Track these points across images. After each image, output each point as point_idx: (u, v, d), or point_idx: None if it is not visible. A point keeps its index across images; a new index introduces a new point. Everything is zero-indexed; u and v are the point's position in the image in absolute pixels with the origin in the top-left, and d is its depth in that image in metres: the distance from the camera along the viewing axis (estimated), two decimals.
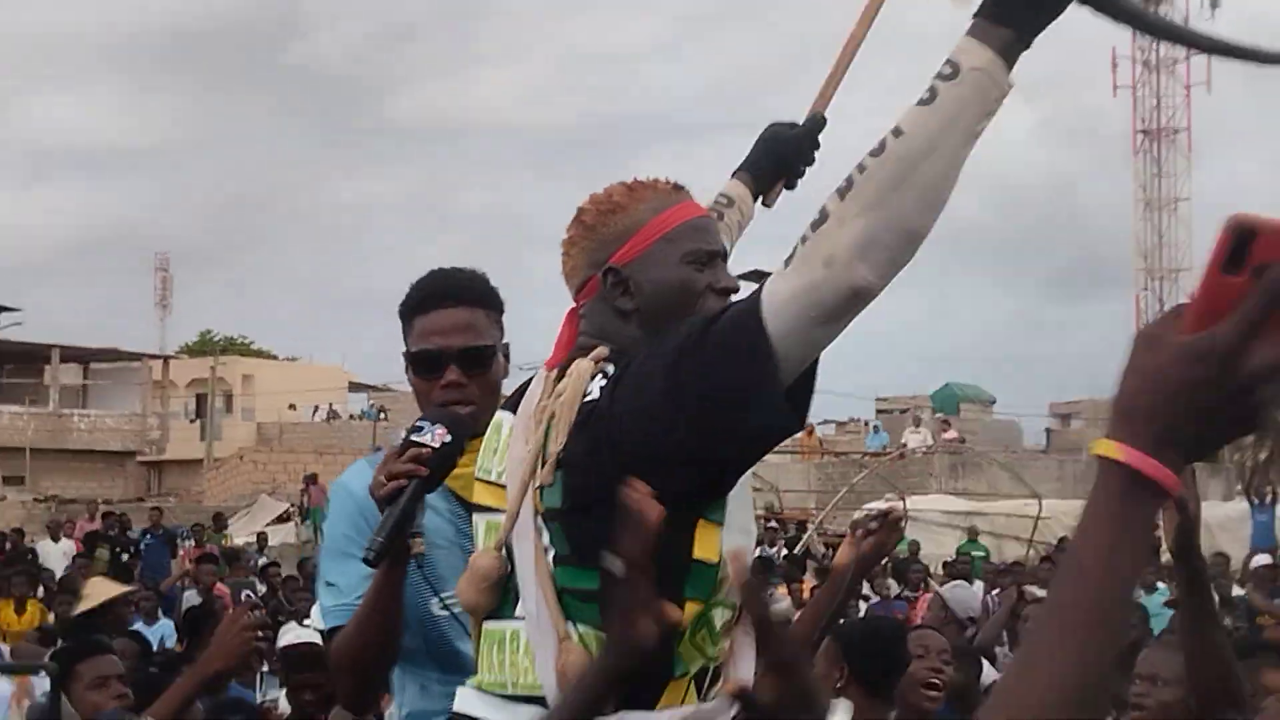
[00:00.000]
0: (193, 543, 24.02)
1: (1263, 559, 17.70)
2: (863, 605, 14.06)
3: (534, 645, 2.40)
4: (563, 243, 2.60)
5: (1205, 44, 2.18)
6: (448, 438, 2.82)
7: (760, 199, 3.45)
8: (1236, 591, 15.60)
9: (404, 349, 3.20)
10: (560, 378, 2.49)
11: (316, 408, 48.55)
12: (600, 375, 2.40)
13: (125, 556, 21.86)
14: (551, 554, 2.40)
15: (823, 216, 2.17)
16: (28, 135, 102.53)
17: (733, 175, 3.42)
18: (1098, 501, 1.36)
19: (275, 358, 60.19)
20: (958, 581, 12.24)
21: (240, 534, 27.28)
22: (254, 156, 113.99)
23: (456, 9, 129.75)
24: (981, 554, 21.06)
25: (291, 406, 48.92)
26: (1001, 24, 2.08)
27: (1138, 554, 1.35)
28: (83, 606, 10.64)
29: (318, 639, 9.29)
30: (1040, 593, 14.23)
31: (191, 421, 48.79)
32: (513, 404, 2.63)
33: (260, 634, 4.32)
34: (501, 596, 2.49)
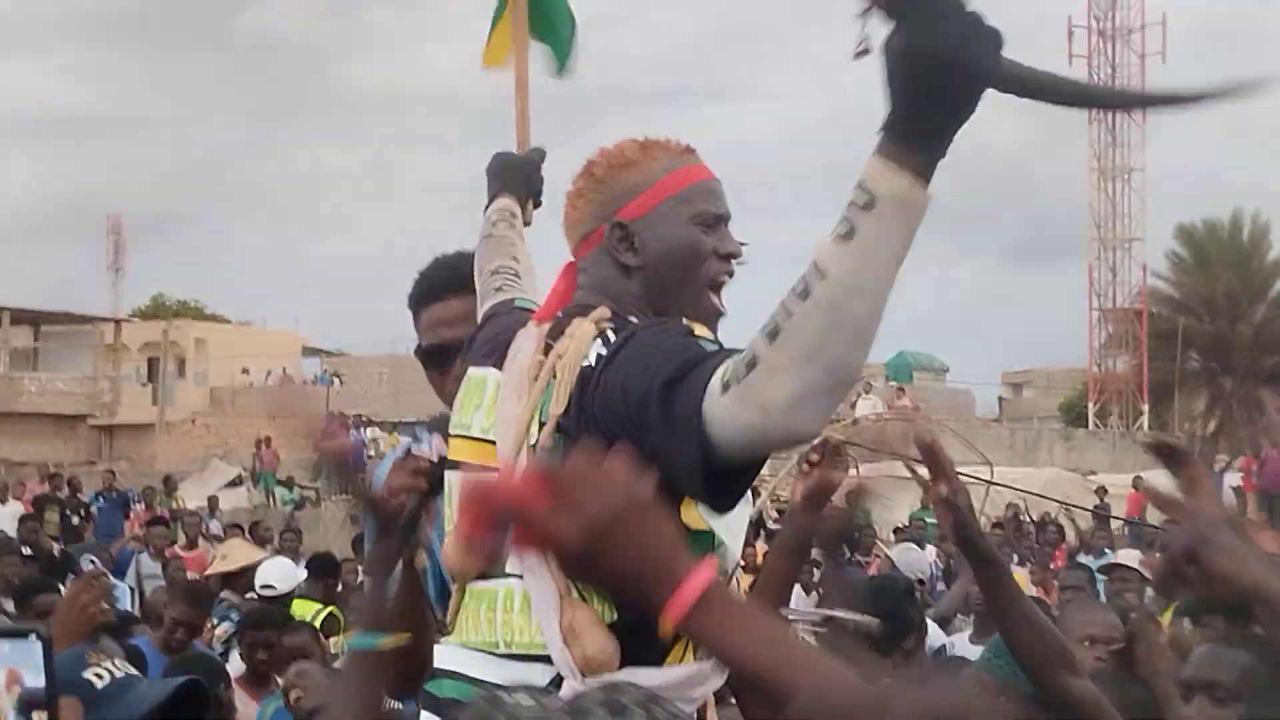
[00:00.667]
0: (143, 505, 23.93)
1: None
2: (815, 572, 14.10)
3: (534, 603, 2.37)
4: (568, 193, 2.61)
5: (1124, 100, 2.16)
6: (437, 454, 2.81)
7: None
8: None
9: (415, 342, 3.30)
10: (555, 333, 2.46)
11: (269, 372, 48.35)
12: (600, 338, 2.38)
13: (76, 519, 21.78)
14: None
15: (751, 360, 2.02)
16: None
17: (496, 198, 3.26)
18: (736, 624, 1.63)
19: (229, 321, 59.88)
20: (906, 544, 12.31)
21: (191, 498, 27.17)
22: (209, 122, 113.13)
23: None
24: (934, 520, 21.16)
25: (244, 370, 48.73)
26: (913, 145, 1.87)
27: None
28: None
29: (279, 587, 9.34)
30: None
31: (143, 385, 48.53)
32: (486, 354, 2.60)
33: (105, 606, 4.16)
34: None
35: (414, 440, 2.89)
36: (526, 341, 2.52)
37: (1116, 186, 50.28)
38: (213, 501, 25.51)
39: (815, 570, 14.14)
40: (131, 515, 22.95)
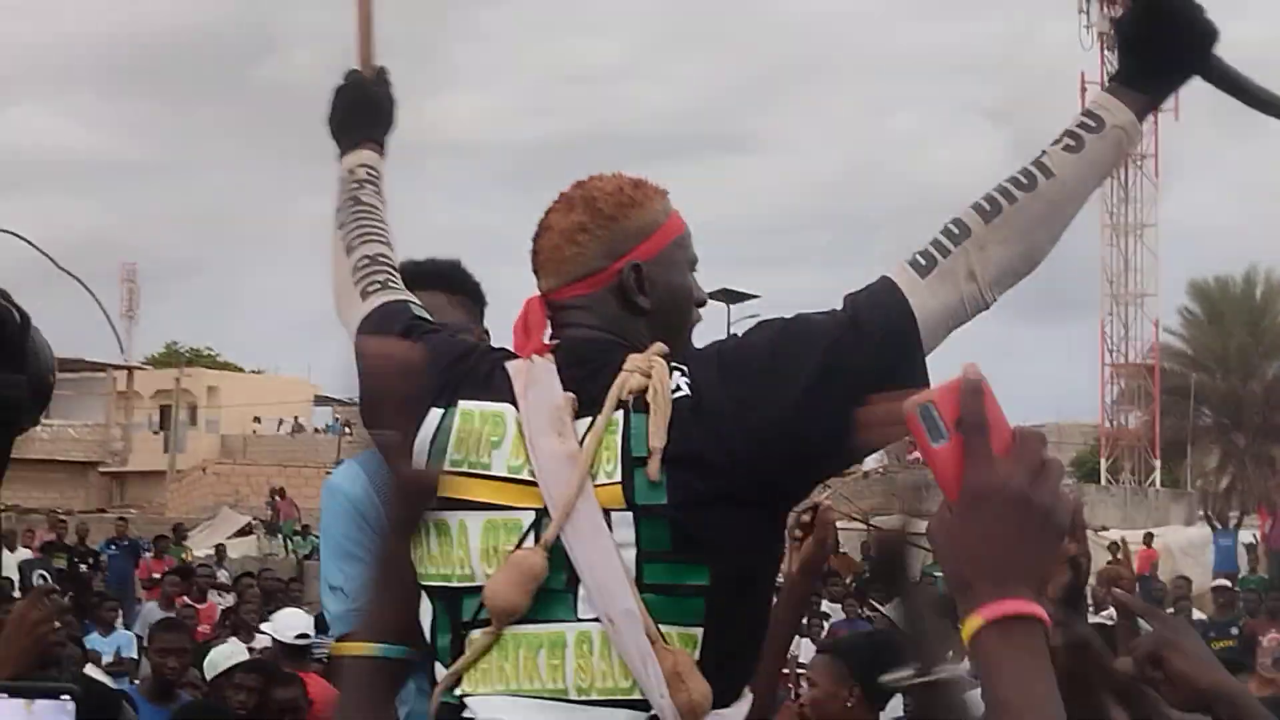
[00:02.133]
0: (153, 554, 23.93)
1: (1221, 582, 17.80)
2: (825, 625, 14.07)
3: (624, 648, 2.27)
4: (567, 228, 2.51)
5: None
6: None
7: None
8: (1197, 615, 15.68)
9: None
10: (581, 369, 2.42)
11: (281, 421, 48.40)
12: (676, 372, 2.38)
13: (84, 567, 21.76)
14: (633, 551, 2.30)
15: (962, 231, 2.37)
16: (4, 146, 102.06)
17: (360, 147, 3.04)
18: (1020, 659, 1.48)
19: (241, 370, 60.00)
20: None
21: (200, 546, 27.14)
22: (224, 170, 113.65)
23: (429, 29, 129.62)
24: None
25: (256, 419, 48.77)
26: (1141, 90, 2.43)
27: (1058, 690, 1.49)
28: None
29: (244, 655, 9.08)
30: None
31: (155, 433, 48.61)
32: (479, 388, 2.45)
33: (56, 625, 3.54)
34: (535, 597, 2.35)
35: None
36: (541, 376, 2.43)
37: (1129, 242, 50.33)
38: (220, 550, 25.47)
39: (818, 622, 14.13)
40: (142, 563, 22.90)
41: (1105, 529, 30.76)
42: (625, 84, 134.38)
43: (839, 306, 2.42)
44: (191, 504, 39.78)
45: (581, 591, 2.31)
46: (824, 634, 12.79)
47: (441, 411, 2.43)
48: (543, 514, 2.33)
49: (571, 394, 2.38)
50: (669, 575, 2.31)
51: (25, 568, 19.96)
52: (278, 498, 32.67)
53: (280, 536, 32.14)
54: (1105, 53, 51.56)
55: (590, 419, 2.36)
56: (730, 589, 2.35)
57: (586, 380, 2.40)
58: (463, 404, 2.43)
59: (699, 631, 2.32)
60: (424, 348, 2.52)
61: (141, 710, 6.25)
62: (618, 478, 2.33)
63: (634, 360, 2.40)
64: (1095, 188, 2.45)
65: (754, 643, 2.46)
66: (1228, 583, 17.89)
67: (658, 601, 2.30)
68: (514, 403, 2.40)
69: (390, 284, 2.73)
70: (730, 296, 39.42)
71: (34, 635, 3.42)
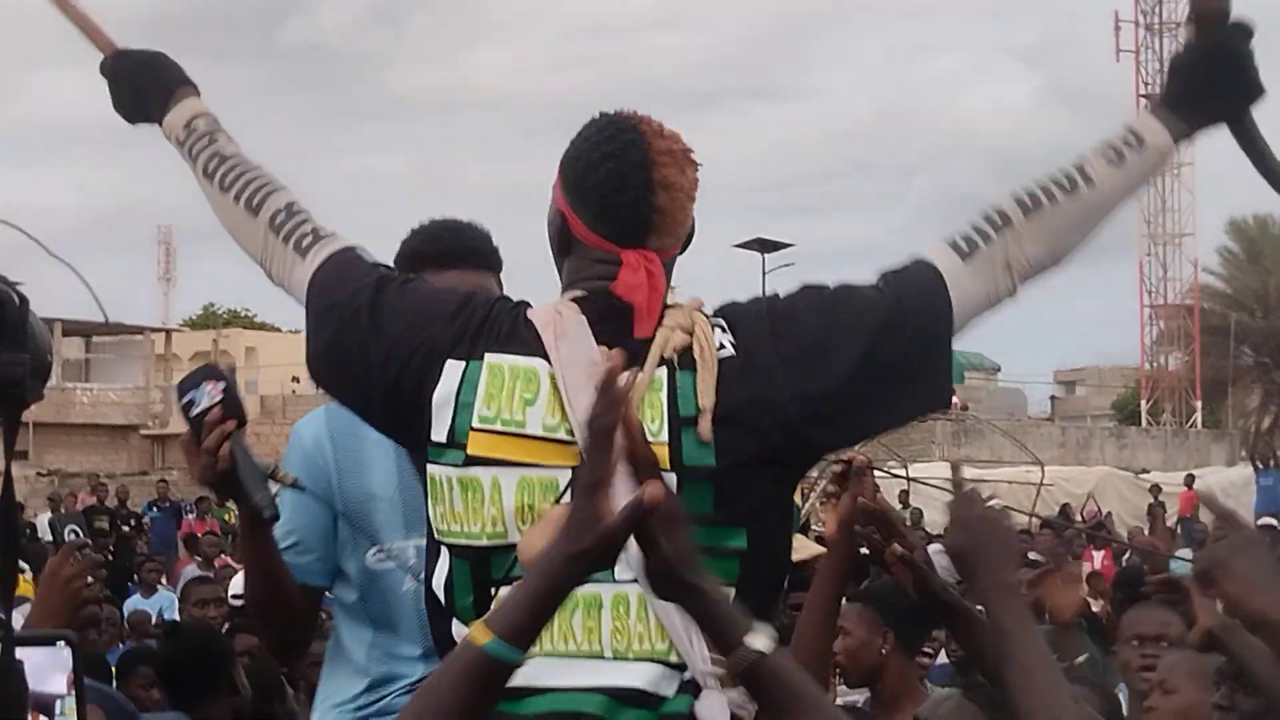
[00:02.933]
0: (194, 515, 24.07)
1: (1266, 521, 17.70)
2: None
3: (666, 611, 2.25)
4: (687, 187, 2.42)
5: None
6: (221, 388, 2.79)
7: None
8: None
9: None
10: (611, 322, 2.35)
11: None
12: (716, 329, 2.36)
13: (126, 529, 21.92)
14: None
15: (1004, 221, 2.45)
16: (36, 112, 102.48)
17: (175, 100, 2.81)
18: None
19: (279, 330, 60.17)
20: (935, 546, 12.21)
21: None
22: (256, 130, 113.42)
23: None
24: None
25: (295, 379, 48.90)
26: (1182, 118, 2.54)
27: None
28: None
29: None
30: (1038, 558, 14.28)
31: None
32: (503, 340, 2.38)
33: (90, 581, 3.43)
34: None
35: (190, 403, 2.77)
36: (572, 328, 2.36)
37: (1166, 181, 49.90)
38: None
39: None
40: (184, 524, 23.06)
41: (1146, 471, 30.67)
42: (655, 34, 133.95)
43: (876, 282, 2.44)
44: None
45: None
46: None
47: (463, 364, 2.36)
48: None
49: (605, 347, 2.32)
50: (708, 538, 2.25)
51: (56, 524, 20.08)
52: None
53: None
54: None
55: (627, 374, 2.32)
56: (762, 551, 2.35)
57: (619, 335, 2.33)
58: (489, 357, 2.36)
59: (730, 592, 2.28)
60: (420, 297, 2.47)
61: None
62: (664, 438, 2.30)
63: (674, 316, 2.37)
64: (1126, 201, 2.57)
65: (775, 602, 2.46)
66: (1273, 521, 17.77)
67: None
68: (544, 356, 2.35)
69: (321, 232, 2.59)
70: (764, 246, 39.28)
71: (68, 591, 3.34)
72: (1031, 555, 13.88)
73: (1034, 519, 22.04)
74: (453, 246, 3.12)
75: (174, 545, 21.12)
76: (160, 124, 2.79)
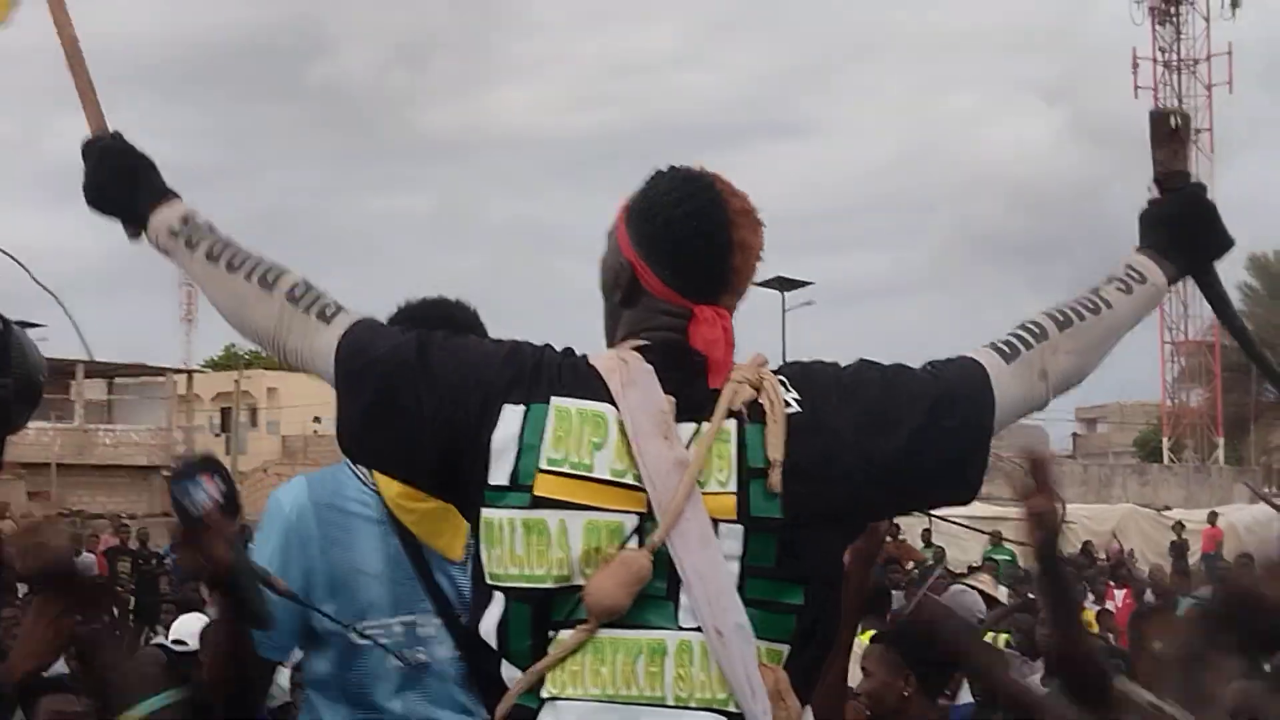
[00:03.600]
0: None
1: None
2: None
3: (727, 662, 2.28)
4: (757, 248, 2.51)
5: (1273, 376, 3.13)
6: (221, 488, 2.76)
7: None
8: None
9: None
10: (680, 373, 2.40)
11: None
12: (783, 385, 2.42)
13: (146, 568, 21.93)
14: (737, 564, 2.32)
15: (1041, 332, 2.60)
16: (60, 153, 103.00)
17: (162, 204, 2.77)
18: None
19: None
20: (957, 586, 12.16)
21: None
22: (280, 172, 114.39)
23: (480, 23, 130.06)
24: (1007, 558, 20.99)
25: (317, 419, 49.02)
26: (1173, 263, 2.77)
27: None
28: None
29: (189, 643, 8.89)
30: None
31: (216, 435, 48.96)
32: (570, 386, 2.40)
33: (79, 618, 3.36)
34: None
35: (184, 494, 2.75)
36: (639, 376, 2.39)
37: None
38: None
39: None
40: None
41: (1168, 508, 30.56)
42: (677, 72, 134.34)
43: (925, 367, 2.54)
44: (254, 506, 39.67)
45: (684, 600, 2.31)
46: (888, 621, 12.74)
47: (523, 408, 2.37)
48: (646, 519, 2.31)
49: (671, 396, 2.37)
50: (769, 591, 2.33)
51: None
52: None
53: None
54: (1155, 28, 51.14)
55: (695, 425, 2.36)
56: (817, 608, 2.38)
57: (685, 385, 2.39)
58: (556, 401, 2.37)
59: (785, 649, 2.34)
60: (468, 346, 2.50)
61: None
62: (732, 488, 2.34)
63: (741, 370, 2.42)
64: (1134, 327, 2.76)
65: (824, 660, 2.49)
66: None
67: (757, 616, 2.32)
68: (611, 401, 2.37)
69: (341, 304, 2.60)
70: (784, 284, 39.33)
71: (55, 627, 3.29)
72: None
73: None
74: (463, 322, 3.13)
75: (195, 587, 21.09)
76: (147, 217, 2.75)
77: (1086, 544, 23.93)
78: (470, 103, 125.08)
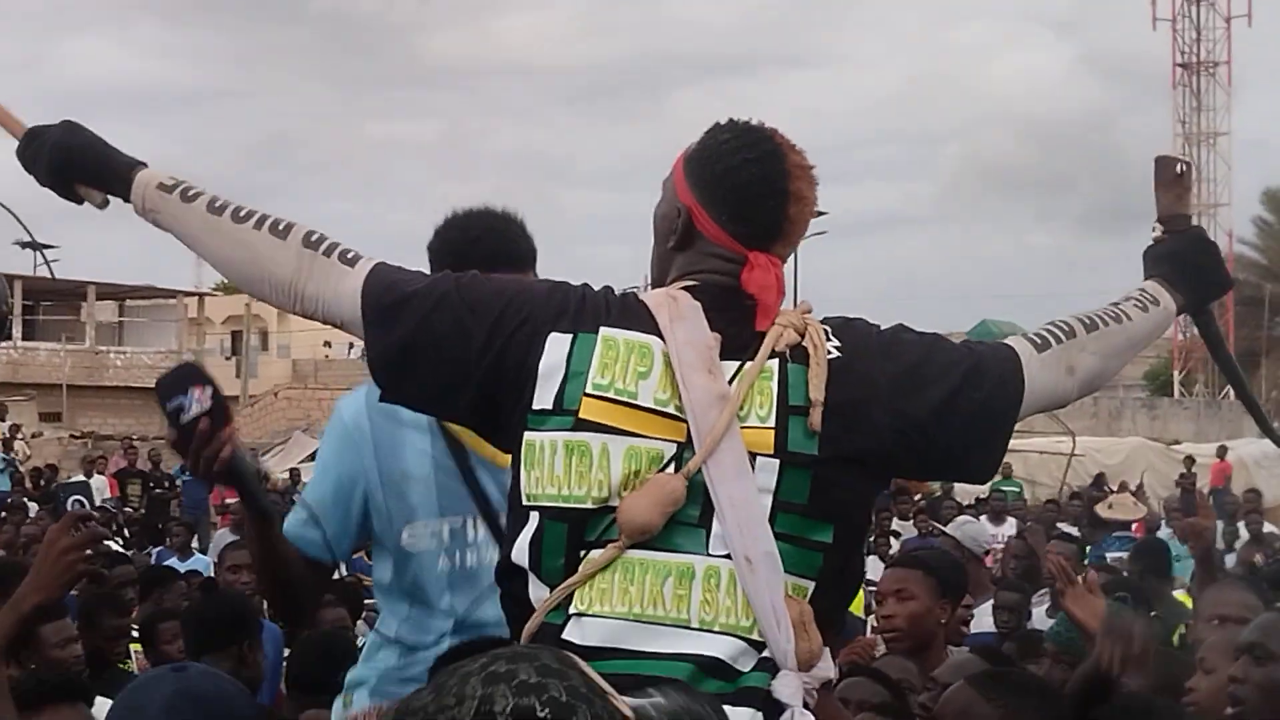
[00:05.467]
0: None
1: None
2: (894, 542, 14.09)
3: (755, 591, 2.35)
4: (812, 201, 2.58)
5: (1266, 429, 3.27)
6: (210, 394, 2.83)
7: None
8: (1268, 528, 15.59)
9: None
10: (729, 314, 2.47)
11: (351, 344, 48.67)
12: (825, 332, 2.50)
13: (159, 491, 22.05)
14: (769, 498, 2.39)
15: (1069, 332, 2.71)
16: (66, 77, 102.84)
17: (133, 171, 2.74)
18: None
19: None
20: (964, 517, 12.21)
21: (275, 471, 27.38)
22: (285, 97, 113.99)
23: None
24: (1015, 490, 21.07)
25: (327, 344, 49.11)
26: (1181, 294, 2.93)
27: None
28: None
29: None
30: (1070, 529, 14.30)
31: (227, 359, 48.99)
32: (618, 317, 2.47)
33: (89, 553, 3.39)
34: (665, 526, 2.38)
35: (178, 409, 2.81)
36: (688, 312, 2.47)
37: (1201, 151, 49.67)
38: (295, 474, 25.71)
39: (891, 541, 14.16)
40: (215, 490, 23.16)
41: (1178, 442, 30.60)
42: (684, 1, 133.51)
43: (960, 343, 2.65)
44: (265, 429, 40.14)
45: (715, 528, 2.38)
46: (895, 551, 12.79)
47: (569, 336, 2.44)
48: (684, 447, 2.39)
49: (717, 335, 2.45)
50: (799, 528, 2.40)
51: (61, 493, 20.16)
52: None
53: None
54: None
55: (738, 362, 2.44)
56: (844, 548, 2.45)
57: (731, 325, 2.47)
58: (605, 330, 2.45)
59: (810, 585, 2.42)
60: (509, 280, 2.59)
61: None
62: (771, 423, 2.42)
63: (787, 315, 2.50)
64: (1148, 343, 2.98)
65: (847, 602, 2.60)
66: None
67: (786, 551, 2.38)
68: (658, 334, 2.45)
69: (358, 251, 2.62)
70: None
71: (63, 563, 3.33)
72: (1062, 527, 13.92)
73: (1065, 488, 22.04)
74: (501, 249, 3.14)
75: (205, 508, 21.21)
76: (130, 179, 2.72)
77: (1100, 475, 23.99)
78: (476, 29, 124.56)
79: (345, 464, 3.21)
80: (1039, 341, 2.67)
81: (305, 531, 3.21)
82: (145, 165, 2.76)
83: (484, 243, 3.13)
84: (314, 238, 2.62)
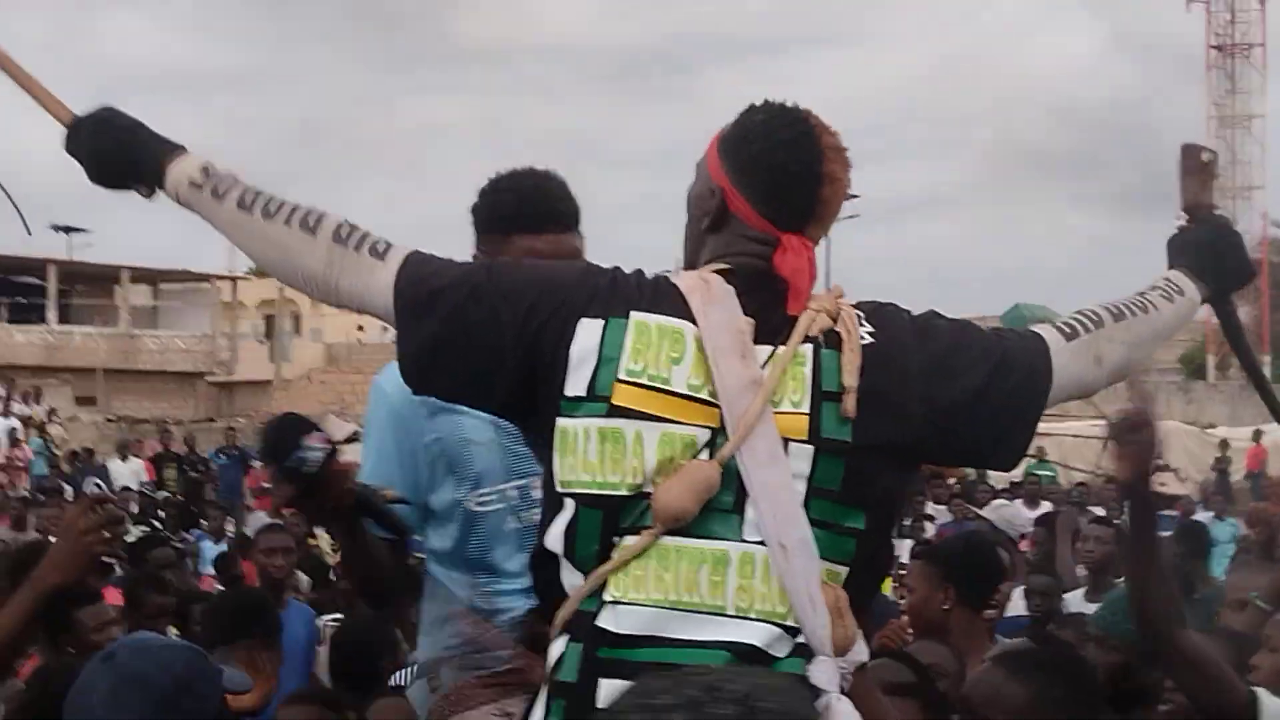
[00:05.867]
0: (261, 463, 24.26)
1: None
2: (929, 526, 14.07)
3: (791, 577, 2.35)
4: (846, 183, 2.57)
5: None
6: (324, 437, 2.88)
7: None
8: None
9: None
10: (760, 298, 2.46)
11: (385, 328, 48.68)
12: (858, 317, 2.49)
13: (194, 475, 22.16)
14: (804, 484, 2.39)
15: (1097, 322, 2.71)
16: (102, 54, 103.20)
17: (172, 160, 2.71)
18: None
19: None
20: (1000, 501, 12.19)
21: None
22: (321, 79, 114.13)
23: None
24: (1050, 474, 21.00)
25: (360, 327, 49.18)
26: (1208, 286, 2.95)
27: None
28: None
29: None
30: (1102, 513, 14.23)
31: (261, 342, 49.15)
32: (651, 301, 2.45)
33: (109, 535, 3.40)
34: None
35: (299, 460, 2.86)
36: (721, 296, 2.45)
37: (1235, 134, 49.38)
38: None
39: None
40: (251, 473, 23.27)
41: (1213, 426, 30.42)
42: None
43: (990, 331, 2.65)
44: (299, 411, 40.22)
45: (749, 514, 2.37)
46: (930, 535, 12.77)
47: (600, 322, 2.43)
48: (718, 433, 2.38)
49: (750, 319, 2.44)
50: (831, 514, 2.39)
51: (77, 475, 20.23)
52: None
53: None
54: None
55: (771, 347, 2.42)
56: (876, 534, 2.46)
57: (764, 309, 2.45)
58: (635, 315, 2.44)
59: (844, 571, 2.41)
60: (540, 267, 2.59)
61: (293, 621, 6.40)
62: (805, 409, 2.41)
63: (819, 300, 2.49)
64: (1174, 333, 2.96)
65: (877, 587, 2.62)
66: None
67: (820, 536, 2.38)
68: (690, 319, 2.43)
69: (389, 241, 2.60)
70: None
71: (80, 544, 3.34)
72: (1094, 510, 13.86)
73: (1099, 473, 21.92)
74: (547, 210, 3.13)
75: (240, 492, 21.32)
76: (162, 174, 2.71)
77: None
78: (508, 10, 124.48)
79: (403, 440, 3.21)
80: (1068, 331, 2.68)
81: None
82: (183, 151, 2.73)
83: (534, 204, 3.12)
84: (344, 231, 2.59)
